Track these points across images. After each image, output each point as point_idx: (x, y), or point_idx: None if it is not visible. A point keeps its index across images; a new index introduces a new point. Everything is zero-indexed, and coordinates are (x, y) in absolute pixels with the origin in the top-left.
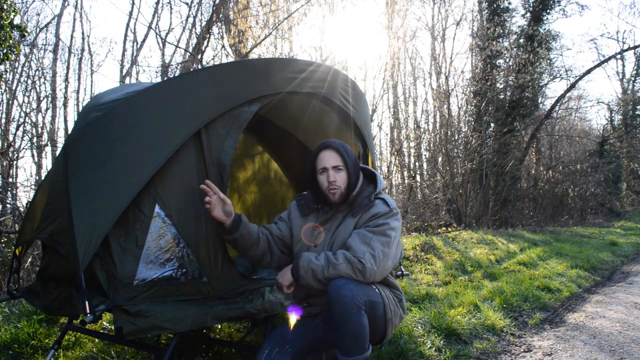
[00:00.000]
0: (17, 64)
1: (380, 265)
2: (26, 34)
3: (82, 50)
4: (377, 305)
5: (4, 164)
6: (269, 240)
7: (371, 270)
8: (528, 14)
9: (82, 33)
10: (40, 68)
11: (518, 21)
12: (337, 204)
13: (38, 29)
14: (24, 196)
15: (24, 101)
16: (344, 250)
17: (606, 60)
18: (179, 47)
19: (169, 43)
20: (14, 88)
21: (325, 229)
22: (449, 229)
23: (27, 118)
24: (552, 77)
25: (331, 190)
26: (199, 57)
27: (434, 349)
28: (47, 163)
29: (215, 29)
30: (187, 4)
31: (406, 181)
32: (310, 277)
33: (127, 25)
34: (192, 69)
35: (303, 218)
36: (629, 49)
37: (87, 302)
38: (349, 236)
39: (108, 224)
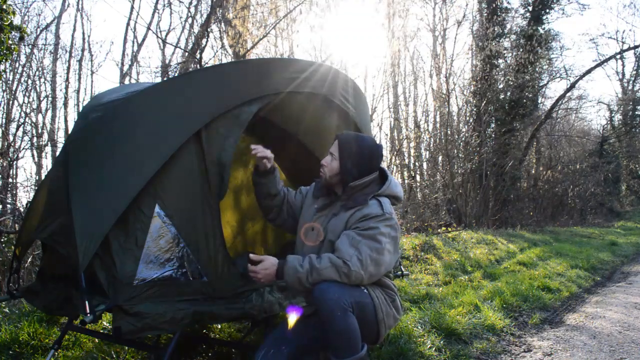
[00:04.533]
0: (17, 64)
1: (367, 270)
2: (26, 35)
3: (83, 50)
4: (366, 306)
5: (4, 164)
6: (283, 201)
7: (357, 274)
8: (528, 14)
9: (83, 33)
10: (40, 68)
11: (518, 21)
12: (324, 187)
13: (39, 30)
14: (24, 196)
15: (24, 101)
16: (330, 254)
17: (606, 60)
18: (179, 48)
19: (169, 43)
20: (14, 88)
21: (323, 214)
22: (449, 229)
23: (27, 118)
24: (552, 77)
25: (320, 172)
26: (198, 57)
27: (434, 349)
28: (47, 163)
29: (215, 28)
30: (185, 3)
31: (406, 181)
32: (296, 284)
33: (127, 25)
34: (190, 69)
35: (313, 199)
36: (629, 49)
37: (87, 302)
38: (340, 229)
39: (108, 224)
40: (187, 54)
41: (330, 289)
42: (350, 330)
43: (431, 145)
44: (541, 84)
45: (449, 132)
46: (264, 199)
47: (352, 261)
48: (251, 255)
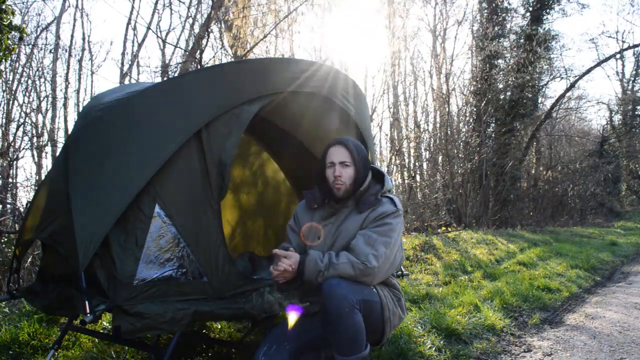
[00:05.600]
0: (17, 64)
1: (382, 268)
2: (25, 35)
3: (83, 50)
4: (373, 305)
5: (4, 164)
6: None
7: (372, 270)
8: (528, 14)
9: (83, 33)
10: (40, 68)
11: (518, 21)
12: (342, 198)
13: (39, 29)
14: (24, 196)
15: (24, 101)
16: (348, 253)
17: (606, 60)
18: (179, 47)
19: (169, 43)
20: (14, 88)
21: (329, 222)
22: (449, 229)
23: (27, 118)
24: (552, 77)
25: (336, 184)
26: (198, 57)
27: (434, 349)
28: (47, 163)
29: (215, 29)
30: (185, 3)
31: (406, 181)
32: (314, 278)
33: (127, 25)
34: (190, 69)
35: (310, 212)
36: (629, 48)
37: (87, 302)
38: (355, 232)
39: (108, 224)
40: (187, 54)
41: (339, 286)
42: (357, 328)
43: (431, 145)
44: (541, 84)
45: (449, 132)
46: None
47: (369, 259)
48: (276, 250)
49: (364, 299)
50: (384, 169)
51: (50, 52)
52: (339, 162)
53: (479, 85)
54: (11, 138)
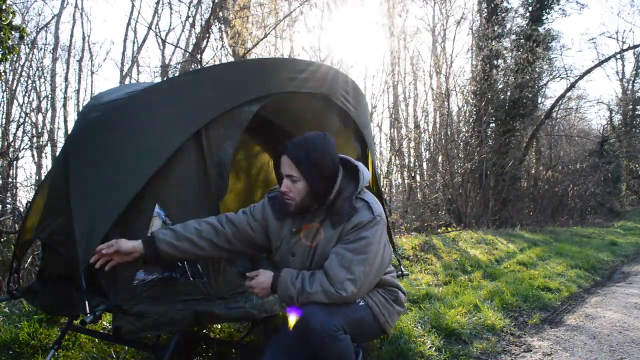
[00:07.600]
0: (17, 64)
1: (362, 288)
2: (25, 35)
3: (83, 50)
4: (362, 320)
5: (4, 164)
6: (227, 240)
7: (350, 296)
8: (527, 14)
9: (83, 33)
10: (40, 68)
11: (518, 21)
12: (294, 213)
13: (38, 29)
14: (24, 196)
15: (24, 101)
16: (322, 277)
17: (606, 60)
18: (179, 47)
19: (169, 43)
20: (14, 88)
21: (302, 238)
22: (449, 229)
23: (27, 118)
24: (551, 77)
25: (285, 199)
26: (199, 57)
27: (434, 349)
28: (47, 163)
29: (215, 29)
30: (184, 3)
31: (406, 181)
32: (287, 301)
33: (128, 25)
34: (191, 69)
35: (278, 222)
36: (629, 48)
37: (87, 302)
38: (331, 248)
39: (108, 224)
40: (187, 54)
41: (315, 316)
42: (341, 353)
43: (431, 145)
44: (541, 84)
45: (448, 132)
46: (190, 259)
47: (345, 286)
48: (247, 273)
49: (349, 320)
50: (384, 169)
51: (50, 52)
52: (286, 175)
53: (479, 85)
54: (11, 138)
